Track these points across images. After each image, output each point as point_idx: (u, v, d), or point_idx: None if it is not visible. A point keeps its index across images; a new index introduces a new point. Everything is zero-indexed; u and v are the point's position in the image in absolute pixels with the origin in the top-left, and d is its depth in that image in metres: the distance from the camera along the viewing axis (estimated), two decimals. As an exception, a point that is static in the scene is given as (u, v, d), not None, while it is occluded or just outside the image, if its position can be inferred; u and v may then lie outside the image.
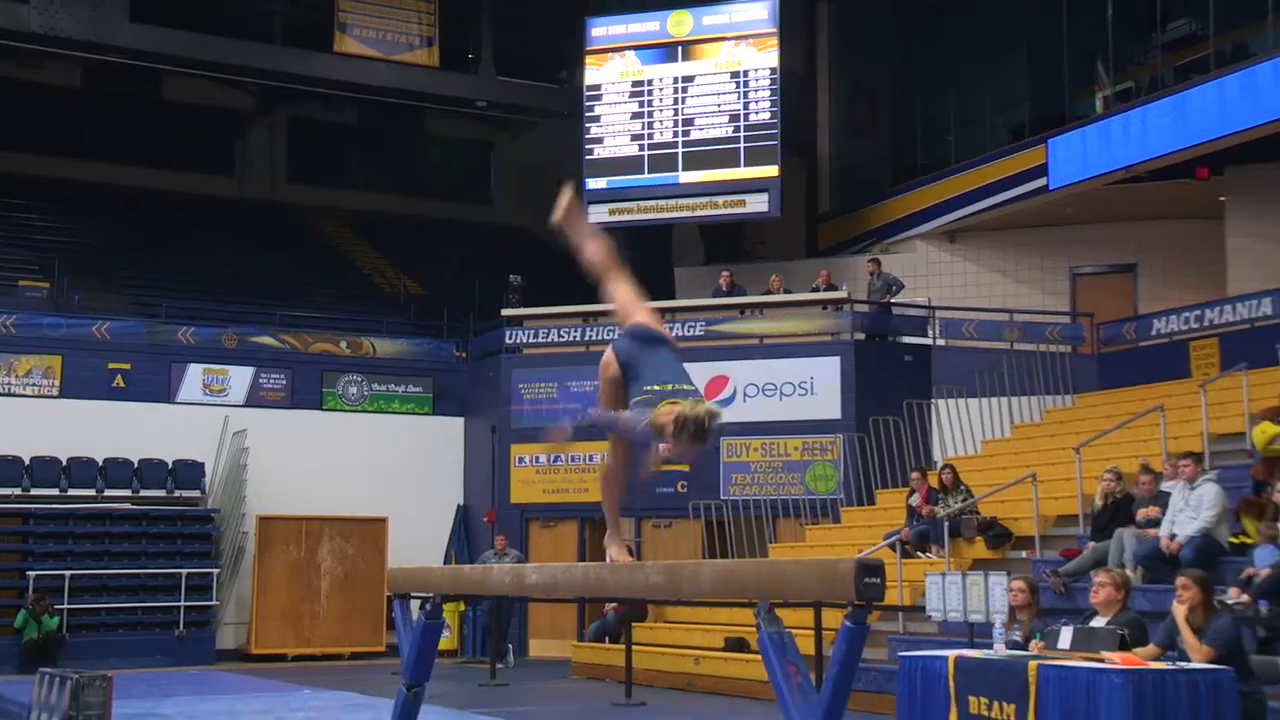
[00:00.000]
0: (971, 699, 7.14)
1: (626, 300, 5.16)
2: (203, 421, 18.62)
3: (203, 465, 18.54)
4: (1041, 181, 18.85)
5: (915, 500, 14.22)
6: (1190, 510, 10.70)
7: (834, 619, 4.49)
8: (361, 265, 24.78)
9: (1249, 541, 10.51)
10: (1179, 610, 7.43)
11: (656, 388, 4.67)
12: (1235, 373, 14.18)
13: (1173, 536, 10.64)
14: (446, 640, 17.01)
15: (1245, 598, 9.46)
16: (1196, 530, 10.53)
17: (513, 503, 18.79)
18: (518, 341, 19.42)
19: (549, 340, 19.39)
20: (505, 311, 19.73)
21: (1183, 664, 6.91)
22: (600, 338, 19.24)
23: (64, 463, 17.83)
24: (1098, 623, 7.84)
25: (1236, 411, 13.57)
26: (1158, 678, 6.47)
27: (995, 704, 6.96)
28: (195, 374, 19.17)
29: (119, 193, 23.92)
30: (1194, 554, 10.25)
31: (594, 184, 21.56)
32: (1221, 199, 18.47)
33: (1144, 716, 6.34)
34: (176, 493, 18.23)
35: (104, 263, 21.52)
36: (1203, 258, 18.92)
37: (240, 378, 19.34)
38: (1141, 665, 6.66)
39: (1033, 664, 7.05)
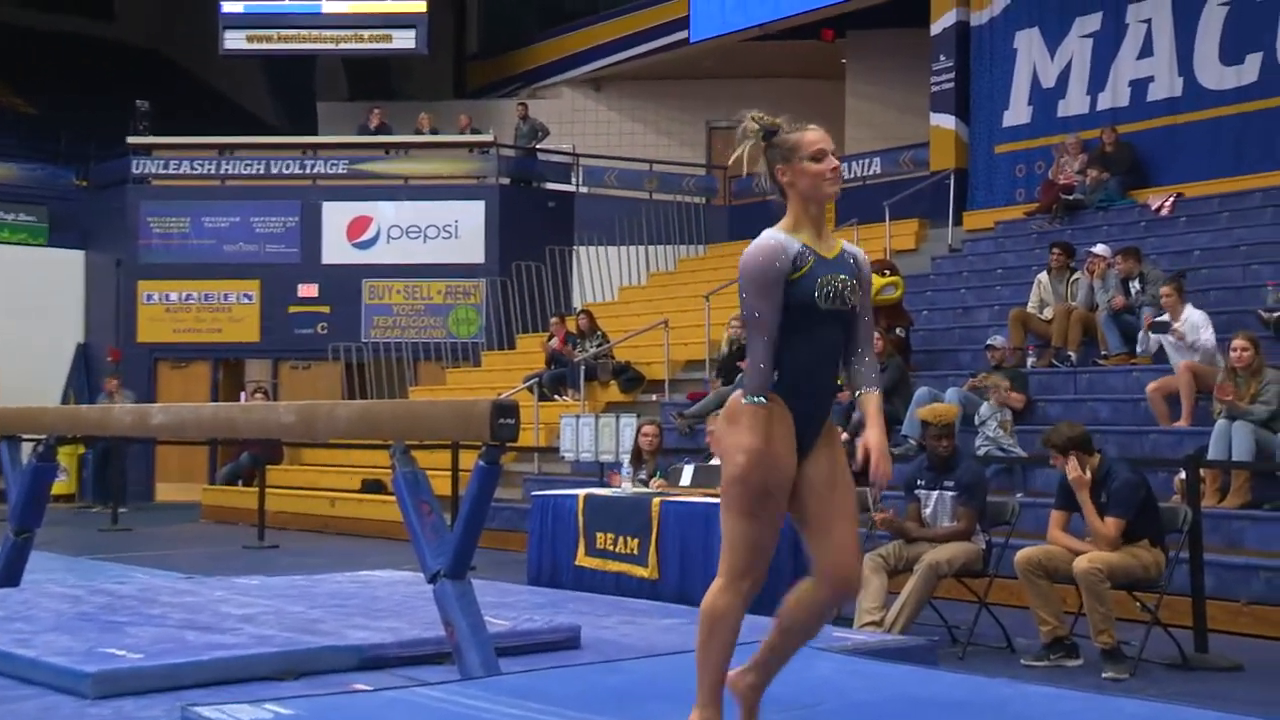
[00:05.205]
0: (599, 534, 7.38)
1: None
2: None
3: None
4: (683, 34, 19.13)
5: (554, 344, 14.45)
6: (806, 356, 11.28)
7: (472, 460, 4.52)
8: (-36, 80, 22.62)
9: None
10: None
11: None
12: (848, 227, 14.95)
13: (789, 380, 11.20)
14: (63, 484, 16.16)
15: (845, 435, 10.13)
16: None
17: (139, 341, 17.89)
18: (146, 172, 18.33)
19: (181, 172, 18.39)
20: (131, 139, 18.53)
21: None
22: (238, 171, 18.38)
23: None
24: (717, 461, 8.17)
25: (851, 264, 14.33)
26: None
27: (621, 539, 7.22)
28: None
29: None
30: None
31: (230, 7, 20.30)
32: (843, 60, 19.33)
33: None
34: None
35: None
36: (824, 117, 19.72)
37: None
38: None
39: (656, 500, 7.34)
